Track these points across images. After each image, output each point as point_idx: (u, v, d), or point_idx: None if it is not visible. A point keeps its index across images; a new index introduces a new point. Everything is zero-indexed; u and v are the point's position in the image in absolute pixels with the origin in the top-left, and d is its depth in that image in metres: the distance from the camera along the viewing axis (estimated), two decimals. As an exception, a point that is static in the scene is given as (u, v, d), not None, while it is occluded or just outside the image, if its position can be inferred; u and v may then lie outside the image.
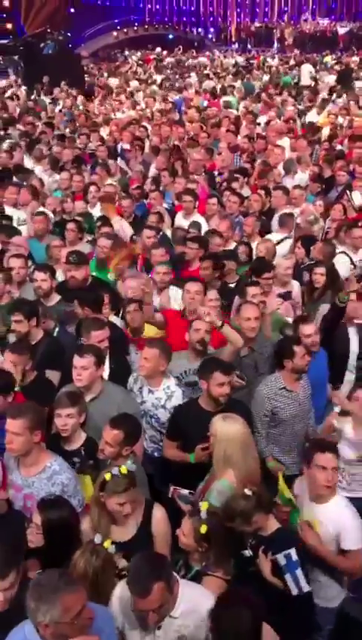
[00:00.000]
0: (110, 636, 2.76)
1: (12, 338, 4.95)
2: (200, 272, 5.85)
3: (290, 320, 5.46)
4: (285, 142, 11.03)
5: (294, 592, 3.20)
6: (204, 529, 3.14)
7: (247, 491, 3.32)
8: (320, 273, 5.86)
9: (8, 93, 17.75)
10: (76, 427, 4.00)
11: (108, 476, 3.29)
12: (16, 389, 4.26)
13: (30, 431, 3.63)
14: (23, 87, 18.64)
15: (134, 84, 19.53)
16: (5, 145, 10.91)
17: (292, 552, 3.23)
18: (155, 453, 4.52)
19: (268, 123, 12.75)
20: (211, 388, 4.11)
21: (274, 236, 7.06)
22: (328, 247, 6.50)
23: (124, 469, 3.29)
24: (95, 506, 3.41)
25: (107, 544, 3.06)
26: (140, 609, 2.72)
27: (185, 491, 3.53)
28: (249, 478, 3.60)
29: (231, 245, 6.89)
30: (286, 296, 5.75)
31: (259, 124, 12.94)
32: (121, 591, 2.97)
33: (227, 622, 2.54)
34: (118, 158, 10.67)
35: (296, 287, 6.08)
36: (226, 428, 3.68)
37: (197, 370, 4.37)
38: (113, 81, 20.62)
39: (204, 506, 3.23)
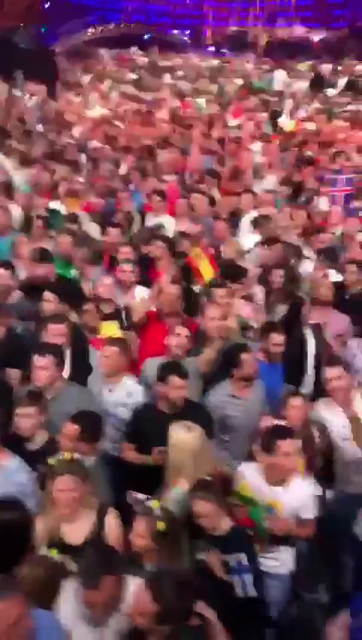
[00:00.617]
0: (53, 638, 2.70)
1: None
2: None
3: (253, 323, 5.46)
4: (256, 146, 11.09)
5: (240, 594, 3.24)
6: (161, 525, 3.14)
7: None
8: (279, 275, 5.87)
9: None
10: (36, 427, 3.93)
11: (52, 461, 3.33)
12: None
13: None
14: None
15: (107, 83, 19.41)
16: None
17: (243, 556, 3.26)
18: (116, 453, 4.48)
19: (239, 127, 12.80)
20: (169, 391, 4.12)
21: (248, 239, 7.06)
22: (287, 248, 6.50)
23: (67, 455, 3.32)
24: (48, 503, 3.37)
25: (54, 553, 3.02)
26: (88, 602, 2.70)
27: (143, 496, 3.51)
28: None
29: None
30: (248, 297, 5.75)
31: (230, 127, 12.98)
32: (68, 588, 2.94)
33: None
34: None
35: (258, 290, 6.07)
36: (179, 436, 3.71)
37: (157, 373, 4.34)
38: (86, 79, 20.46)
39: (155, 504, 3.24)
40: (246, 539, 3.44)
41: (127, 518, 3.45)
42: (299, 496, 3.77)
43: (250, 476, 3.83)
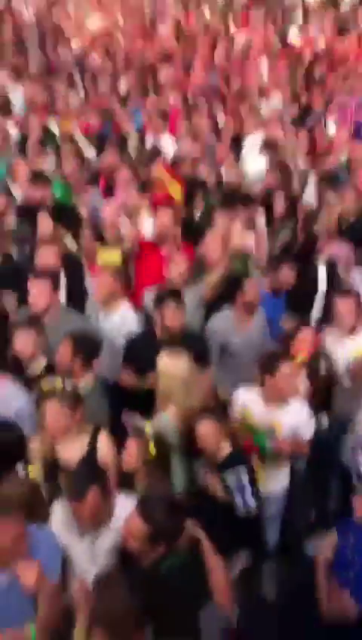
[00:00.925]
0: (51, 551, 2.81)
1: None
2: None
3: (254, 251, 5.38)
4: (264, 63, 10.56)
5: (241, 511, 3.33)
6: (152, 447, 3.24)
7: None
8: (283, 200, 5.77)
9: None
10: (35, 350, 3.93)
11: (45, 385, 3.40)
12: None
13: None
14: None
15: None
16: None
17: (241, 469, 3.35)
18: (108, 377, 4.50)
19: (246, 42, 12.14)
20: (164, 318, 4.12)
21: (254, 161, 6.85)
22: (291, 172, 6.34)
23: (58, 383, 3.37)
24: (42, 421, 3.44)
25: (30, 469, 3.14)
26: (76, 514, 2.80)
27: (137, 417, 3.58)
28: (188, 415, 3.67)
29: (202, 170, 6.67)
30: (249, 224, 5.63)
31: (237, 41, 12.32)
32: (58, 509, 3.05)
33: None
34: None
35: (260, 217, 5.90)
36: (169, 365, 3.73)
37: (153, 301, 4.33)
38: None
39: (147, 426, 3.33)
40: (244, 459, 3.52)
41: (123, 440, 3.50)
42: (297, 417, 3.85)
43: (248, 400, 3.88)
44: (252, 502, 3.36)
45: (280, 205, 5.79)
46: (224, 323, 4.53)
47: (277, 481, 3.93)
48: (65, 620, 2.99)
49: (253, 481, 3.45)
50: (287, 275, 4.88)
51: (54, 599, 2.73)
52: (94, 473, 2.88)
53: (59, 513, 3.02)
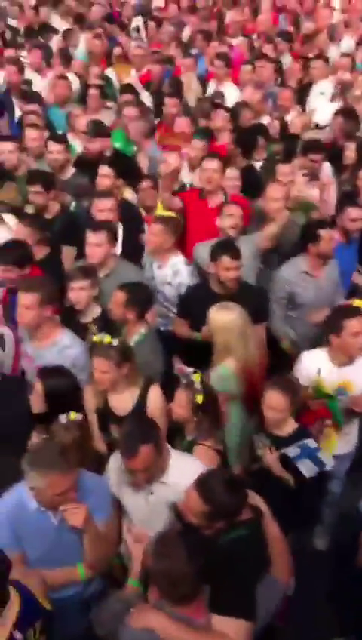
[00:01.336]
0: (100, 496, 2.90)
1: (30, 210, 4.86)
2: (226, 146, 5.54)
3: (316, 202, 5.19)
4: (336, 2, 9.99)
5: (308, 474, 3.26)
6: (200, 399, 3.25)
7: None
8: (350, 149, 5.50)
9: None
10: (89, 300, 4.00)
11: (95, 338, 3.44)
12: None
13: (41, 305, 3.63)
14: None
15: None
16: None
17: (309, 441, 3.31)
18: (161, 327, 4.56)
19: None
20: (219, 272, 4.05)
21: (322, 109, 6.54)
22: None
23: (107, 339, 3.39)
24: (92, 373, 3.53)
25: (73, 417, 3.19)
26: (129, 468, 2.86)
27: (189, 370, 3.60)
28: (247, 365, 3.69)
29: (265, 119, 6.44)
30: (312, 176, 5.42)
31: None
32: (113, 459, 3.12)
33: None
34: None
35: (326, 167, 5.69)
36: (222, 318, 3.70)
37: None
38: None
39: (196, 377, 3.32)
40: (309, 434, 3.45)
41: (174, 390, 3.53)
42: None
43: (315, 362, 3.78)
44: (320, 463, 3.29)
45: (349, 154, 5.52)
46: (295, 272, 4.42)
47: (346, 442, 3.87)
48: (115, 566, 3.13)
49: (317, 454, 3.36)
50: (353, 217, 4.65)
51: (102, 542, 2.83)
52: (146, 429, 2.90)
53: (113, 465, 3.09)
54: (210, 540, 2.61)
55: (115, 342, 3.42)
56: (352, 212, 4.66)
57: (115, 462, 3.10)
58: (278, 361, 4.23)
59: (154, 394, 3.50)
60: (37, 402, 3.38)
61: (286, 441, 3.37)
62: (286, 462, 3.32)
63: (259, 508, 2.79)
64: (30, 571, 2.64)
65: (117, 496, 3.07)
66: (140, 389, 3.50)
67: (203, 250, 4.43)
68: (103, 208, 4.56)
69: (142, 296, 3.90)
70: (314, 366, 3.75)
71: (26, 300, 3.61)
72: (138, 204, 5.18)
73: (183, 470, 2.90)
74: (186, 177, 5.49)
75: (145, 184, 5.11)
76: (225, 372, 3.69)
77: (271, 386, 3.38)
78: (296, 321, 4.50)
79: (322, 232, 4.32)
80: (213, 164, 4.88)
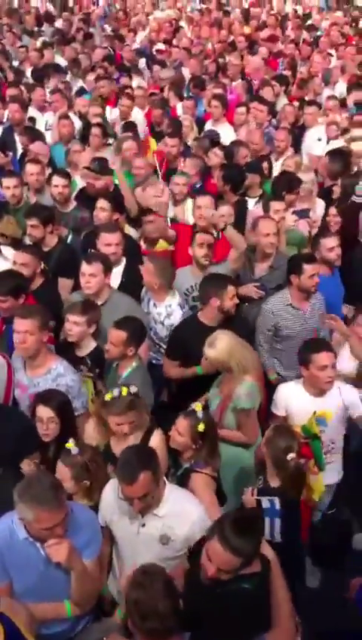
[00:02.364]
0: (90, 532, 2.87)
1: (28, 241, 4.98)
2: (217, 183, 5.70)
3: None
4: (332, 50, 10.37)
5: (267, 537, 3.18)
6: (201, 427, 3.28)
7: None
8: (338, 186, 5.70)
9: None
10: (84, 335, 4.07)
11: (108, 396, 3.39)
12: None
13: (39, 331, 3.72)
14: None
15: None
16: (38, 42, 10.54)
17: (276, 500, 3.26)
18: (153, 361, 4.63)
19: (316, 27, 11.95)
20: (225, 302, 4.15)
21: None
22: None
23: (125, 391, 3.38)
24: (96, 416, 3.55)
25: (69, 445, 3.20)
26: (126, 495, 2.87)
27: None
28: (259, 371, 3.86)
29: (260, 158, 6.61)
30: (303, 213, 5.57)
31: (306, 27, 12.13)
32: (110, 486, 3.14)
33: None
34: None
35: (319, 205, 5.86)
36: (222, 347, 3.75)
37: (200, 287, 4.34)
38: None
39: (198, 406, 3.36)
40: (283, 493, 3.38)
41: (165, 419, 3.60)
42: (345, 399, 3.84)
43: (292, 394, 3.88)
44: (278, 535, 3.21)
45: (336, 189, 5.68)
46: (280, 305, 4.51)
47: (331, 472, 3.90)
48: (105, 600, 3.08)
49: (291, 517, 3.31)
50: (329, 246, 4.77)
51: (89, 580, 2.78)
52: (145, 457, 2.92)
53: (108, 495, 3.11)
54: (209, 587, 2.56)
55: (133, 388, 3.43)
56: (327, 242, 4.79)
57: (109, 492, 3.12)
58: (266, 394, 4.25)
59: (157, 439, 3.52)
60: (48, 429, 3.41)
61: (263, 489, 3.38)
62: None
63: (267, 559, 2.69)
64: (17, 604, 2.60)
65: (108, 526, 3.08)
66: (143, 433, 3.50)
67: (182, 274, 4.60)
68: (111, 242, 4.65)
69: (140, 331, 3.94)
70: (291, 397, 3.85)
71: (24, 325, 3.68)
72: (142, 236, 5.29)
73: (179, 506, 2.93)
74: (170, 212, 5.62)
75: (150, 217, 5.19)
76: (251, 387, 3.77)
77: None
78: (283, 353, 4.57)
79: (306, 266, 4.40)
80: (205, 201, 5.03)
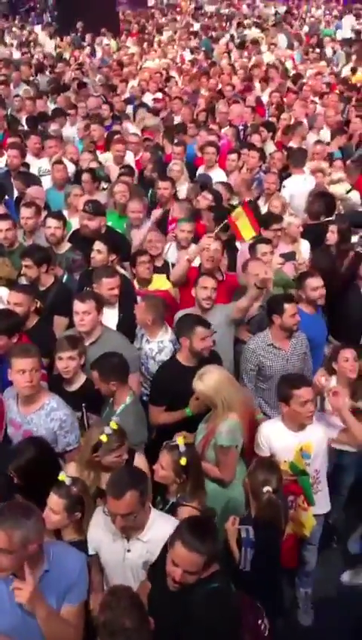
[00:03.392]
0: (75, 581, 2.80)
1: (23, 282, 5.10)
2: (206, 224, 5.87)
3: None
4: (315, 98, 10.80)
5: (241, 565, 3.31)
6: (183, 461, 3.34)
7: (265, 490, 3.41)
8: (332, 231, 5.82)
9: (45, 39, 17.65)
10: (77, 369, 4.16)
11: (104, 438, 3.44)
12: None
13: (39, 369, 3.83)
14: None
15: (167, 33, 19.13)
16: (31, 92, 10.91)
17: (250, 529, 3.33)
18: (145, 397, 4.68)
19: (300, 76, 12.43)
20: (195, 343, 4.19)
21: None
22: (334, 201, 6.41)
23: (114, 425, 3.46)
24: (83, 465, 3.54)
25: (62, 477, 3.24)
26: (112, 511, 2.93)
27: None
28: (248, 410, 3.89)
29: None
30: (289, 256, 5.73)
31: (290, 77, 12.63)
32: (98, 514, 3.22)
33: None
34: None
35: (304, 246, 6.02)
36: (210, 382, 3.82)
37: (175, 328, 4.43)
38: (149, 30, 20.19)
39: (180, 440, 3.42)
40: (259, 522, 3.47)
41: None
42: (323, 427, 3.93)
43: (273, 432, 3.94)
44: (248, 564, 3.30)
45: (331, 235, 5.82)
46: (262, 345, 4.58)
47: (319, 503, 3.93)
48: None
49: (265, 546, 3.37)
50: (313, 286, 4.90)
51: (56, 624, 2.68)
52: (135, 476, 3.01)
53: (96, 520, 3.17)
54: (180, 597, 2.64)
55: (117, 420, 3.52)
56: (312, 282, 4.91)
57: (98, 518, 3.18)
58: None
59: (139, 462, 3.59)
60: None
61: (246, 518, 3.45)
62: None
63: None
64: None
65: (98, 553, 3.13)
66: (125, 460, 3.56)
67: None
68: (114, 286, 4.78)
69: (111, 365, 3.94)
70: (272, 436, 3.90)
71: (25, 364, 3.75)
72: (134, 277, 5.42)
73: (163, 533, 2.97)
74: (172, 256, 5.77)
75: (143, 258, 5.35)
76: (233, 425, 3.81)
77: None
78: (267, 392, 4.62)
79: (286, 305, 4.49)
80: (215, 244, 5.16)
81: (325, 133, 9.15)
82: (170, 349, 4.66)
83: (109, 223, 6.10)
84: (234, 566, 3.30)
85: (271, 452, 3.89)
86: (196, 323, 4.22)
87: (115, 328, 4.77)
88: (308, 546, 4.08)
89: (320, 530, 4.07)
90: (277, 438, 3.89)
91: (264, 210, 6.64)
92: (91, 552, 3.17)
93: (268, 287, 4.95)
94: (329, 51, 16.32)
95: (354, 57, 14.83)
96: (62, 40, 17.87)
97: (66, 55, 15.96)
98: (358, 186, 7.23)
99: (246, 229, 5.60)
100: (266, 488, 3.35)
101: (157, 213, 6.36)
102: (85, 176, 6.87)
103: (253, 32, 19.04)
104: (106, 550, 3.11)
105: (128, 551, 3.03)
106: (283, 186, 7.23)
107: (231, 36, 19.00)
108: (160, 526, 3.04)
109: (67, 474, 3.33)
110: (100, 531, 3.13)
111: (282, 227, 5.84)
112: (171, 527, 2.95)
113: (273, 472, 3.43)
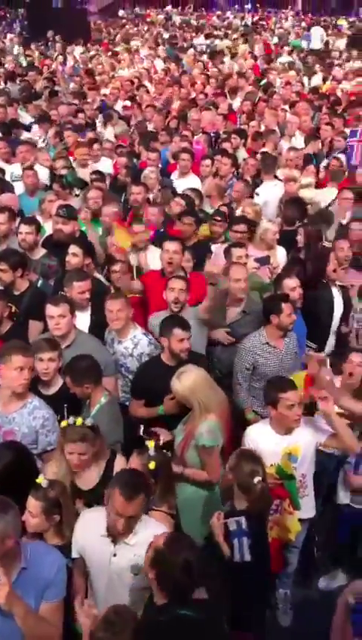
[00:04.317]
0: (53, 574, 2.80)
1: (-2, 287, 5.06)
2: (180, 227, 5.88)
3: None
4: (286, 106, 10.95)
5: (236, 558, 3.29)
6: (152, 465, 3.33)
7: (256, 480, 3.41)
8: (300, 234, 5.89)
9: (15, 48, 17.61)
10: (56, 371, 4.14)
11: (64, 423, 3.47)
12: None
13: (33, 368, 3.87)
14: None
15: (136, 42, 19.27)
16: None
17: (243, 519, 3.33)
18: (126, 403, 4.64)
19: (269, 85, 12.61)
20: (172, 344, 4.21)
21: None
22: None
23: (79, 421, 3.45)
24: (59, 451, 3.55)
25: (39, 480, 3.21)
26: (119, 512, 2.91)
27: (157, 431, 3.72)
28: (224, 411, 3.88)
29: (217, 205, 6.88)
30: (263, 260, 5.78)
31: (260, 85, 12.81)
32: (84, 517, 3.18)
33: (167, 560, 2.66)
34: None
35: (280, 252, 6.07)
36: (187, 383, 3.83)
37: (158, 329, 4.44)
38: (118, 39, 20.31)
39: (150, 444, 3.41)
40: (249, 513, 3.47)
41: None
42: (311, 431, 3.93)
43: (260, 435, 3.94)
44: (247, 553, 3.29)
45: (300, 238, 5.91)
46: (257, 343, 4.63)
47: (305, 507, 3.94)
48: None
49: (260, 534, 3.41)
50: (291, 287, 4.94)
51: (35, 623, 2.67)
52: (144, 482, 3.04)
53: (84, 524, 3.14)
54: (152, 615, 2.63)
55: (88, 421, 3.49)
56: (289, 282, 4.98)
57: (84, 522, 3.15)
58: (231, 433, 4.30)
59: (120, 464, 3.56)
60: None
61: (231, 511, 3.44)
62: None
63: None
64: None
65: (82, 557, 3.10)
66: (106, 461, 3.56)
67: (156, 320, 4.69)
68: (85, 289, 4.78)
69: (82, 368, 3.94)
70: (259, 438, 3.90)
71: (24, 362, 3.77)
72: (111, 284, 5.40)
73: (148, 535, 2.94)
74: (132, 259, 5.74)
75: (118, 266, 5.30)
76: (213, 425, 3.81)
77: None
78: (260, 391, 4.61)
79: (284, 305, 4.58)
80: (173, 246, 5.18)
81: (297, 140, 9.26)
82: (145, 340, 4.65)
83: (83, 228, 6.10)
84: (225, 561, 3.29)
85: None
86: (175, 325, 4.24)
87: (87, 331, 4.75)
88: (291, 548, 4.08)
89: (304, 533, 4.08)
90: (264, 440, 3.88)
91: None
92: (75, 554, 3.13)
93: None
94: (298, 62, 16.58)
95: (317, 67, 15.16)
96: (29, 48, 17.84)
97: (37, 63, 15.94)
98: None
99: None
100: (257, 479, 3.35)
101: None
102: (55, 186, 6.89)
103: (223, 43, 19.30)
104: (91, 553, 3.08)
105: (114, 555, 3.01)
106: (257, 194, 7.30)
107: (193, 46, 19.26)
108: (144, 528, 3.02)
109: (45, 475, 3.30)
110: (86, 534, 3.10)
111: (247, 230, 5.87)
112: (155, 530, 2.94)
113: (257, 462, 3.44)
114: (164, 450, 3.51)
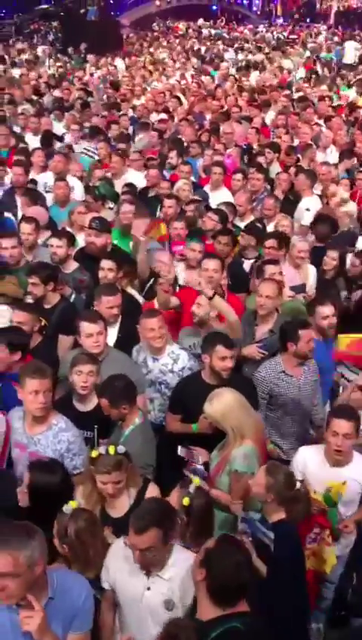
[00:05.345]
0: (81, 608, 2.70)
1: (29, 300, 5.00)
2: (216, 247, 5.76)
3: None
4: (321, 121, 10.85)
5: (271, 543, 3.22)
6: (186, 501, 3.20)
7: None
8: (331, 257, 5.74)
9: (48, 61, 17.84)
10: (93, 386, 4.02)
11: (94, 454, 3.33)
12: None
13: (51, 390, 3.75)
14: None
15: (164, 54, 19.37)
16: (31, 110, 10.95)
17: (255, 516, 3.31)
18: (163, 423, 4.51)
19: (304, 99, 12.50)
20: (214, 362, 4.09)
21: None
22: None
23: (112, 449, 3.31)
24: (88, 478, 3.44)
25: (73, 504, 3.09)
26: (132, 543, 2.81)
27: (199, 466, 3.59)
28: (260, 435, 3.76)
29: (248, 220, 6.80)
30: (299, 289, 5.62)
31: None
32: (116, 547, 3.05)
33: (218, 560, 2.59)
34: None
35: (311, 271, 5.91)
36: (219, 407, 3.71)
37: (200, 345, 4.33)
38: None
39: (195, 481, 3.29)
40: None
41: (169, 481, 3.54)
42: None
43: (310, 459, 3.82)
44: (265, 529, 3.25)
45: (329, 260, 5.77)
46: (273, 372, 4.44)
47: (344, 544, 3.81)
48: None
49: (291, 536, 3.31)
50: (324, 314, 4.77)
51: None
52: (163, 513, 2.88)
53: (115, 555, 3.02)
54: (201, 631, 2.51)
55: (120, 449, 3.36)
56: (323, 310, 4.78)
57: (115, 552, 3.03)
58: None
59: (152, 493, 3.45)
60: (22, 495, 3.30)
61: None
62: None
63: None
64: None
65: (113, 588, 2.99)
66: (138, 488, 3.44)
67: (184, 334, 4.66)
68: (115, 304, 4.69)
69: (119, 389, 3.83)
70: (308, 462, 3.77)
71: (39, 385, 3.64)
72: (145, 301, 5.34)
73: (183, 569, 2.85)
74: (180, 276, 5.67)
75: (165, 286, 5.06)
76: (249, 451, 3.69)
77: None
78: (278, 421, 4.49)
79: (301, 332, 4.35)
80: (212, 263, 5.06)
81: (332, 155, 9.13)
82: (185, 354, 4.54)
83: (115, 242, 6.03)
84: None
85: (304, 478, 3.72)
86: (219, 341, 4.10)
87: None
88: (327, 583, 3.91)
89: (341, 570, 3.89)
90: (313, 465, 3.74)
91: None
92: (105, 586, 3.01)
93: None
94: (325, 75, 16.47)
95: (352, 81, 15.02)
96: (61, 60, 18.05)
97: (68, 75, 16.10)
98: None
99: None
100: (298, 485, 3.28)
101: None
102: (87, 197, 6.88)
103: (257, 57, 19.28)
104: (123, 585, 2.95)
105: (148, 589, 2.88)
106: (307, 210, 7.17)
107: (224, 59, 19.26)
108: (181, 562, 2.90)
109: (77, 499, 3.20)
110: (118, 563, 2.98)
111: (281, 245, 5.73)
112: (191, 562, 2.81)
113: (286, 470, 3.39)
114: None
